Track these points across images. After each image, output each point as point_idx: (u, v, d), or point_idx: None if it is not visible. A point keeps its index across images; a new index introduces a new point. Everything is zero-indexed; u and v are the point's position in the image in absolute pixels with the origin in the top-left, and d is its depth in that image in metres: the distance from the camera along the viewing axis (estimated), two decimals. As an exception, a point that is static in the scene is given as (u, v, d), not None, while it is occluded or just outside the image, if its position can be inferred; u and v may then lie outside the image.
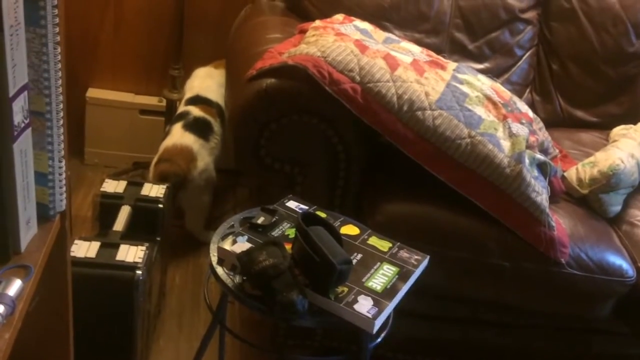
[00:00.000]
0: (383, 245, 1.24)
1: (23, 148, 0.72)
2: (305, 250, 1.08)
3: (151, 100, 2.47)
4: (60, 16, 0.72)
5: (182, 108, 2.17)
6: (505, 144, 1.54)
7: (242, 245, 1.15)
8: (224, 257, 1.15)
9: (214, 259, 1.16)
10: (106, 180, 1.80)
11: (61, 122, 0.78)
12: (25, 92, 0.70)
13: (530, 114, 1.77)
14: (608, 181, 1.65)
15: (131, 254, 1.53)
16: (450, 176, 1.52)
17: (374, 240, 1.25)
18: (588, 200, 1.69)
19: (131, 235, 1.65)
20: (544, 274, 1.52)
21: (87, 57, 2.41)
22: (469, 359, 1.74)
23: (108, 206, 1.73)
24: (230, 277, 1.12)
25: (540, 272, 1.52)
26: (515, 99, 1.78)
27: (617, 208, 1.70)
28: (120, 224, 1.66)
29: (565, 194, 1.71)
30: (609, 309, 1.60)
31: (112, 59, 2.43)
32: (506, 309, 1.63)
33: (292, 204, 1.32)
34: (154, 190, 1.80)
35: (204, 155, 2.02)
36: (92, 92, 2.46)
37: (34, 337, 0.83)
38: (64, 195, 0.82)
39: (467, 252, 1.52)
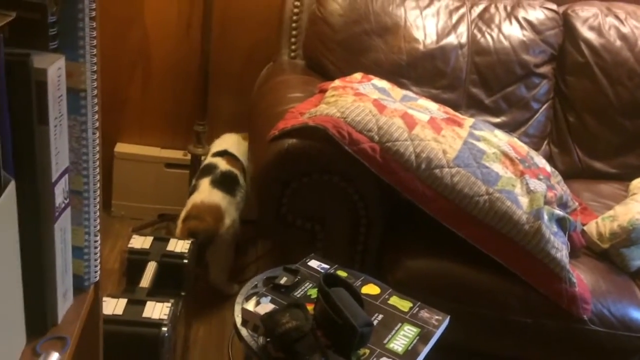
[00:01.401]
0: (404, 305, 1.26)
1: (63, 226, 0.77)
2: (327, 313, 1.11)
3: (176, 154, 2.55)
4: (99, 105, 0.78)
5: (208, 160, 2.23)
6: (524, 201, 1.56)
7: (265, 306, 1.18)
8: (248, 318, 1.18)
9: (238, 320, 1.19)
10: (133, 236, 1.85)
11: (97, 199, 0.83)
12: (67, 175, 0.76)
13: (548, 168, 1.79)
14: (628, 235, 1.66)
15: (157, 310, 1.57)
16: (470, 233, 1.54)
17: (394, 300, 1.27)
18: (609, 255, 1.70)
19: (157, 290, 1.69)
20: (567, 331, 1.52)
21: (116, 114, 2.50)
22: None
23: (135, 262, 1.77)
24: (254, 338, 1.15)
25: (563, 329, 1.52)
26: (533, 153, 1.80)
27: (639, 262, 1.70)
28: (146, 280, 1.70)
29: (585, 249, 1.72)
30: (634, 365, 1.59)
31: (139, 115, 2.52)
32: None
33: (314, 264, 1.35)
34: (179, 245, 1.84)
35: (231, 212, 2.07)
36: (120, 147, 2.54)
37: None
38: (98, 267, 0.86)
39: (489, 308, 1.53)
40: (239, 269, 2.25)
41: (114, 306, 1.56)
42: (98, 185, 0.82)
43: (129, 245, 1.81)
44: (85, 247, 0.83)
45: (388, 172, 1.54)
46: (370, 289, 1.30)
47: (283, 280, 1.27)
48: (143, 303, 1.59)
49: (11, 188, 0.66)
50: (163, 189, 2.55)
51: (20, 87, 0.65)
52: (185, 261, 1.81)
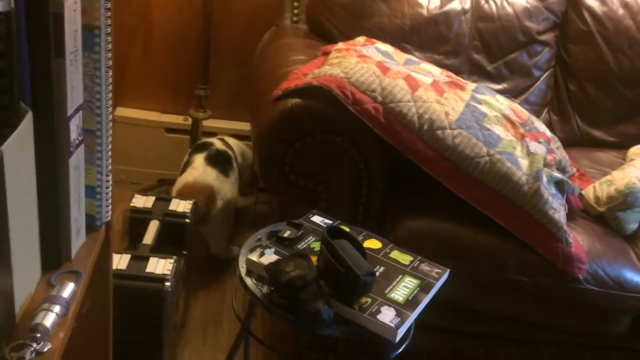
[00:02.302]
0: (404, 258, 1.28)
1: (77, 163, 0.78)
2: (330, 262, 1.13)
3: (177, 119, 2.55)
4: (113, 42, 0.78)
5: (204, 139, 2.22)
6: (524, 162, 1.58)
7: (269, 257, 1.20)
8: (252, 269, 1.21)
9: (243, 270, 1.21)
10: (135, 195, 1.87)
11: (109, 139, 0.84)
12: (81, 112, 0.77)
13: (548, 133, 1.81)
14: (625, 199, 1.68)
15: (160, 266, 1.59)
16: (470, 194, 1.56)
17: (395, 254, 1.29)
18: (605, 218, 1.72)
19: (159, 248, 1.71)
20: (562, 290, 1.55)
21: (116, 77, 2.49)
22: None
23: (137, 220, 1.79)
24: (259, 287, 1.18)
25: (559, 288, 1.55)
26: (533, 118, 1.82)
27: (634, 226, 1.73)
28: (149, 237, 1.72)
29: (582, 212, 1.74)
30: (626, 325, 1.63)
31: (140, 79, 2.51)
32: (526, 325, 1.66)
33: (317, 219, 1.37)
34: (181, 205, 1.86)
35: (224, 193, 2.04)
36: (120, 111, 2.54)
37: (79, 342, 0.88)
38: (110, 207, 0.88)
39: (487, 267, 1.56)
40: (239, 233, 2.27)
41: (117, 261, 1.59)
42: (110, 125, 0.84)
43: (131, 204, 1.83)
44: (98, 187, 0.85)
45: (391, 132, 1.56)
46: (372, 243, 1.32)
47: (287, 234, 1.29)
48: (146, 259, 1.61)
49: (28, 119, 0.67)
50: (163, 154, 2.56)
51: (38, 18, 0.66)
52: (187, 221, 1.83)
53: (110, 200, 0.87)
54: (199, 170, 2.05)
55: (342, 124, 1.57)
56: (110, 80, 0.81)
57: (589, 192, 1.76)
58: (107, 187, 0.86)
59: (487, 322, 1.67)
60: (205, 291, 2.10)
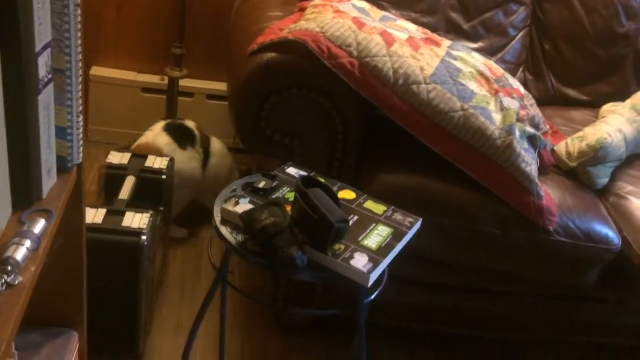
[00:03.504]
0: (378, 208, 1.30)
1: (46, 101, 0.78)
2: (304, 210, 1.14)
3: (153, 79, 2.52)
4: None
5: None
6: (497, 117, 1.60)
7: (244, 206, 1.21)
8: (227, 218, 1.22)
9: (218, 219, 1.22)
10: (111, 152, 1.86)
11: (79, 79, 0.84)
12: (49, 49, 0.76)
13: (522, 90, 1.83)
14: (596, 154, 1.72)
15: (136, 220, 1.60)
16: (444, 148, 1.58)
17: (369, 204, 1.31)
18: (576, 173, 1.76)
19: (135, 204, 1.71)
20: (533, 242, 1.59)
21: (91, 36, 2.45)
22: (462, 326, 1.81)
23: (113, 177, 1.79)
24: (234, 236, 1.19)
25: (530, 240, 1.58)
26: (508, 75, 1.83)
27: (605, 180, 1.77)
28: (125, 193, 1.72)
29: (554, 167, 1.78)
30: (596, 276, 1.67)
31: (115, 38, 2.47)
32: (497, 277, 1.70)
33: (291, 170, 1.38)
34: (157, 162, 1.86)
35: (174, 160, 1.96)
36: (95, 70, 2.51)
37: (53, 286, 0.89)
38: (81, 149, 0.88)
39: (460, 220, 1.58)
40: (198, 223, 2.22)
41: (93, 215, 1.59)
42: (80, 65, 0.83)
43: (107, 161, 1.82)
44: (68, 128, 0.85)
45: (366, 86, 1.56)
46: (346, 194, 1.34)
47: (261, 184, 1.30)
48: (122, 213, 1.61)
49: (-6, 53, 0.67)
50: (139, 114, 2.53)
51: (1, -53, 0.65)
52: (164, 177, 1.83)
53: (81, 142, 0.87)
54: (154, 133, 2.03)
55: (317, 78, 1.57)
56: (79, 19, 0.80)
57: (561, 147, 1.80)
58: (77, 129, 0.86)
59: (459, 274, 1.71)
60: (183, 249, 2.12)
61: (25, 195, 0.79)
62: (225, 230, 1.20)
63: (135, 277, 1.58)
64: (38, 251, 0.71)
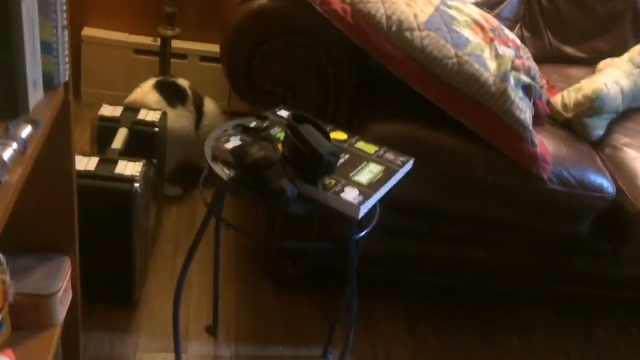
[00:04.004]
0: (370, 148, 1.29)
1: (30, 10, 0.77)
2: (294, 145, 1.13)
3: (146, 40, 2.50)
4: None
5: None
6: (492, 64, 1.59)
7: (235, 143, 1.21)
8: (218, 154, 1.21)
9: (209, 156, 1.21)
10: (103, 105, 1.85)
11: (64, -8, 0.82)
12: (30, -47, 0.75)
13: (518, 41, 1.81)
14: (591, 104, 1.71)
15: (129, 168, 1.59)
16: (438, 95, 1.57)
17: (361, 144, 1.30)
18: (572, 124, 1.75)
19: (128, 156, 1.70)
20: (526, 189, 1.58)
21: (83, -4, 2.43)
22: (455, 276, 1.82)
23: (105, 129, 1.78)
24: (224, 171, 1.18)
25: (523, 187, 1.58)
26: (503, 27, 1.82)
27: (600, 132, 1.76)
28: (118, 143, 1.71)
29: (549, 119, 1.77)
30: (589, 226, 1.67)
31: (107, -3, 2.45)
32: (491, 226, 1.69)
33: (283, 113, 1.37)
34: (150, 115, 1.84)
35: None
36: (88, 31, 2.49)
37: (44, 212, 0.89)
38: (67, 67, 0.87)
39: (453, 168, 1.58)
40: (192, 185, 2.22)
41: (85, 163, 1.58)
42: (64, -23, 0.82)
43: (99, 113, 1.81)
44: (54, 43, 0.83)
45: (359, 33, 1.54)
46: (338, 135, 1.33)
47: (253, 124, 1.29)
48: (115, 162, 1.61)
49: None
50: (132, 76, 2.50)
51: None
52: (156, 129, 1.82)
53: (67, 59, 0.86)
54: (143, 90, 2.01)
55: (309, 25, 1.55)
56: None
57: (556, 99, 1.79)
58: (63, 45, 0.85)
59: (453, 224, 1.70)
60: (178, 206, 2.11)
61: (10, 107, 0.78)
62: (216, 166, 1.19)
63: (128, 225, 1.58)
64: (25, 155, 0.70)
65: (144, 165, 1.61)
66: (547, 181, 1.58)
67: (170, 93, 2.03)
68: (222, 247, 1.95)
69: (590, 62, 2.13)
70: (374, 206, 1.20)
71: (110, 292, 1.68)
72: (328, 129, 1.33)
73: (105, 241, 1.59)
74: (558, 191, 1.59)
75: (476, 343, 1.81)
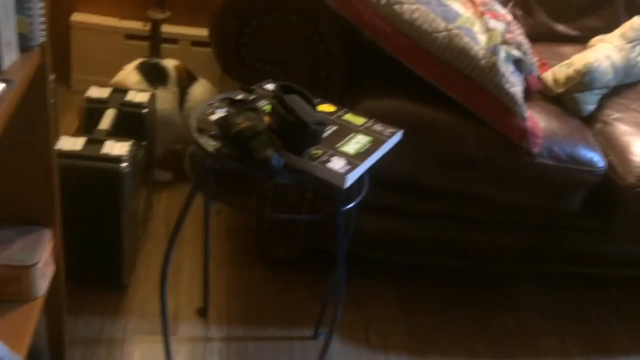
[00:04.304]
0: (358, 120, 1.28)
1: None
2: (280, 114, 1.12)
3: (136, 25, 2.48)
4: None
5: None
6: (482, 38, 1.57)
7: (220, 115, 1.19)
8: (203, 126, 1.19)
9: (194, 128, 1.20)
10: (91, 87, 1.83)
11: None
12: None
13: (509, 17, 1.79)
14: (582, 79, 1.69)
15: (117, 148, 1.57)
16: (427, 70, 1.56)
17: (349, 117, 1.29)
18: (563, 100, 1.74)
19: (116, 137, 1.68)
20: (517, 164, 1.57)
21: (71, -21, 2.41)
22: (446, 256, 1.80)
23: (93, 111, 1.76)
24: (210, 143, 1.17)
25: (513, 162, 1.57)
26: (495, 2, 1.80)
27: (592, 107, 1.75)
28: (105, 124, 1.69)
29: (541, 94, 1.76)
30: (580, 201, 1.66)
31: (95, -19, 2.43)
32: (482, 203, 1.68)
33: (270, 86, 1.36)
34: (138, 96, 1.83)
35: None
36: (77, 17, 2.46)
37: (24, 184, 0.87)
38: (44, 27, 0.85)
39: (443, 143, 1.57)
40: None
41: (72, 143, 1.56)
42: None
43: (86, 95, 1.79)
44: (28, 2, 0.82)
45: (348, 7, 1.53)
46: (326, 107, 1.31)
47: (239, 97, 1.27)
48: (102, 142, 1.59)
49: None
50: (123, 61, 2.48)
51: None
52: (145, 110, 1.80)
53: (43, 20, 0.84)
54: (125, 71, 1.99)
55: (297, 1, 1.54)
56: None
57: (547, 75, 1.77)
58: (38, 4, 0.83)
59: (443, 202, 1.69)
60: (169, 191, 2.10)
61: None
62: (201, 138, 1.17)
63: (116, 206, 1.56)
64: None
65: (132, 145, 1.60)
66: (537, 155, 1.56)
67: (152, 74, 2.00)
68: (214, 231, 1.93)
69: (583, 40, 2.11)
70: (363, 178, 1.18)
71: (99, 275, 1.67)
72: (316, 101, 1.32)
73: (93, 223, 1.58)
74: (548, 165, 1.57)
75: (469, 323, 1.80)
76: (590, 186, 1.62)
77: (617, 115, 1.76)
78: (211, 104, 1.28)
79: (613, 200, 1.63)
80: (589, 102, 1.73)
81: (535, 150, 1.56)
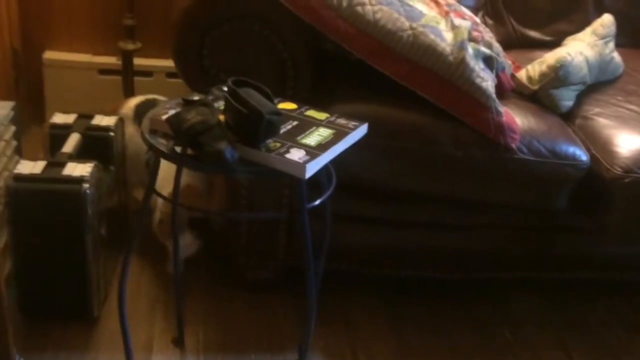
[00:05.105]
0: (320, 115, 1.23)
1: None
2: (234, 107, 1.06)
3: (109, 60, 2.46)
4: None
5: None
6: (448, 35, 1.54)
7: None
8: (156, 127, 1.14)
9: (147, 130, 1.14)
10: (56, 114, 1.78)
11: None
12: None
13: (477, 18, 1.77)
14: (556, 74, 1.65)
15: (79, 169, 1.51)
16: (395, 70, 1.51)
17: (311, 112, 1.24)
18: (539, 97, 1.69)
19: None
20: (496, 161, 1.51)
21: (43, 19, 2.40)
22: (434, 267, 1.72)
23: (57, 137, 1.70)
24: (162, 143, 1.11)
25: (492, 160, 1.51)
26: (459, 4, 1.78)
27: (569, 103, 1.70)
28: (69, 147, 1.63)
29: (516, 93, 1.71)
30: (566, 200, 1.59)
31: (67, 19, 2.42)
32: (465, 207, 1.61)
33: (230, 88, 1.31)
34: (105, 120, 1.78)
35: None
36: (49, 54, 2.44)
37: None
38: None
39: (417, 143, 1.51)
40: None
41: (31, 167, 1.50)
42: None
43: (50, 121, 1.74)
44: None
45: (309, 11, 1.50)
46: (287, 105, 1.26)
47: (194, 98, 1.22)
48: (63, 164, 1.53)
49: None
50: (97, 97, 2.46)
51: None
52: (112, 134, 1.75)
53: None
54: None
55: (259, 7, 1.51)
56: None
57: (521, 73, 1.73)
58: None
59: (426, 208, 1.62)
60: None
61: None
62: (153, 139, 1.11)
63: (80, 230, 1.49)
64: None
65: (94, 167, 1.53)
66: (516, 151, 1.50)
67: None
68: (192, 258, 1.85)
69: (555, 45, 2.07)
70: (330, 173, 1.12)
71: (67, 307, 1.58)
72: (276, 101, 1.27)
73: (56, 250, 1.50)
74: (530, 161, 1.51)
75: (465, 338, 1.70)
76: (576, 182, 1.56)
77: (596, 110, 1.71)
78: (166, 107, 1.22)
79: (601, 195, 1.56)
80: (565, 98, 1.68)
81: (514, 145, 1.50)
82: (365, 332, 1.69)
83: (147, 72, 2.46)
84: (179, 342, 1.59)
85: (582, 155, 1.55)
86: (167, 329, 1.63)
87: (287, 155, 1.05)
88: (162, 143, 1.10)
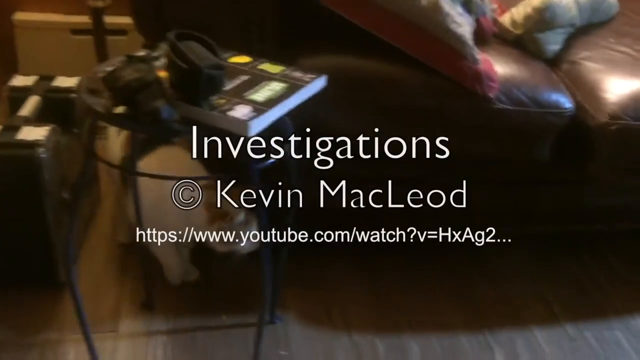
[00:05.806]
0: (275, 68, 1.14)
1: None
2: (174, 62, 0.98)
3: (82, 19, 2.36)
4: None
5: None
6: (421, -22, 1.42)
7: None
8: (94, 86, 1.06)
9: (84, 89, 1.06)
10: (15, 76, 1.71)
11: None
12: None
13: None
14: (542, 16, 1.54)
15: (34, 133, 1.44)
16: (365, 19, 1.41)
17: (265, 66, 1.15)
18: (524, 42, 1.58)
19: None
20: (474, 112, 1.42)
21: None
22: (414, 227, 1.65)
23: (17, 100, 1.63)
24: (99, 101, 1.03)
25: (470, 110, 1.41)
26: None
27: (556, 47, 1.59)
28: (26, 110, 1.56)
29: (499, 38, 1.60)
30: (549, 150, 1.50)
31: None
32: (440, 161, 1.51)
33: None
34: (67, 81, 1.70)
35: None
36: (20, 15, 2.35)
37: None
38: None
39: (390, 95, 1.42)
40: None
41: (-16, 133, 1.43)
42: None
43: (9, 84, 1.66)
44: None
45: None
46: (241, 59, 1.17)
47: (140, 54, 1.13)
48: (17, 128, 1.46)
49: None
50: (70, 58, 2.37)
51: None
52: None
53: None
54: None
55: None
56: None
57: (505, 17, 1.62)
58: None
59: (403, 165, 1.53)
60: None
61: None
62: (88, 98, 1.03)
63: (37, 195, 1.43)
64: None
65: (52, 130, 1.46)
66: (495, 100, 1.41)
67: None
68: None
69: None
70: (287, 131, 1.04)
71: (33, 274, 1.54)
72: (230, 54, 1.18)
73: (16, 217, 1.45)
74: (509, 110, 1.42)
75: (446, 297, 1.64)
76: (559, 131, 1.47)
77: (585, 53, 1.60)
78: (108, 64, 1.14)
79: (585, 144, 1.47)
80: (552, 42, 1.57)
81: (492, 94, 1.41)
82: (342, 295, 1.63)
83: (121, 31, 2.36)
84: (148, 307, 1.55)
85: (566, 103, 1.45)
86: (136, 296, 1.58)
87: (230, 113, 0.97)
88: (99, 102, 1.02)
